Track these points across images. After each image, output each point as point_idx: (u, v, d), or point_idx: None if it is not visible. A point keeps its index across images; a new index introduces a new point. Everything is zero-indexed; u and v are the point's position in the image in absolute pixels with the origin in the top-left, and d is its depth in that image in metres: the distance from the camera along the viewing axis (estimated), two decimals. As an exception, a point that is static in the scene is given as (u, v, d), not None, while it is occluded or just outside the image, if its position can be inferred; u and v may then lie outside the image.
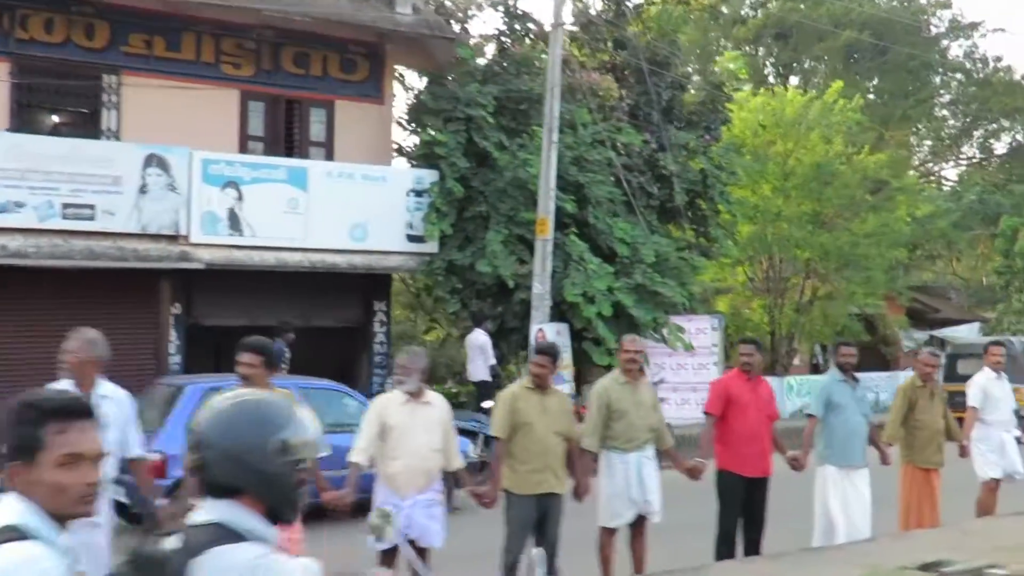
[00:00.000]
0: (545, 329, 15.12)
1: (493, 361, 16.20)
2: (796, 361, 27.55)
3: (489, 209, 16.50)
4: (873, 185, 23.71)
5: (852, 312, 23.85)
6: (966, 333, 29.58)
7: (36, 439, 2.12)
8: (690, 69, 25.16)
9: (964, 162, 47.34)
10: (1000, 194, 33.25)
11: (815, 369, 30.85)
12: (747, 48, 47.15)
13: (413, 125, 17.91)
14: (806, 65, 44.98)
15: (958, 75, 39.74)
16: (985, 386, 9.52)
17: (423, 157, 16.99)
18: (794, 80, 44.19)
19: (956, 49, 44.35)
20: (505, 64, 17.82)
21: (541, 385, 6.48)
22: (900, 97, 38.31)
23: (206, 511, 2.18)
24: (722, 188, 18.78)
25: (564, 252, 15.70)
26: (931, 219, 26.02)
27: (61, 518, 2.14)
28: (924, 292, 41.44)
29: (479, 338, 16.39)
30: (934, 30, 41.70)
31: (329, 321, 17.59)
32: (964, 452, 9.13)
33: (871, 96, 40.20)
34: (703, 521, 7.66)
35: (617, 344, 15.76)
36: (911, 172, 40.98)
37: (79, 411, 2.19)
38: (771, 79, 46.15)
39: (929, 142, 45.49)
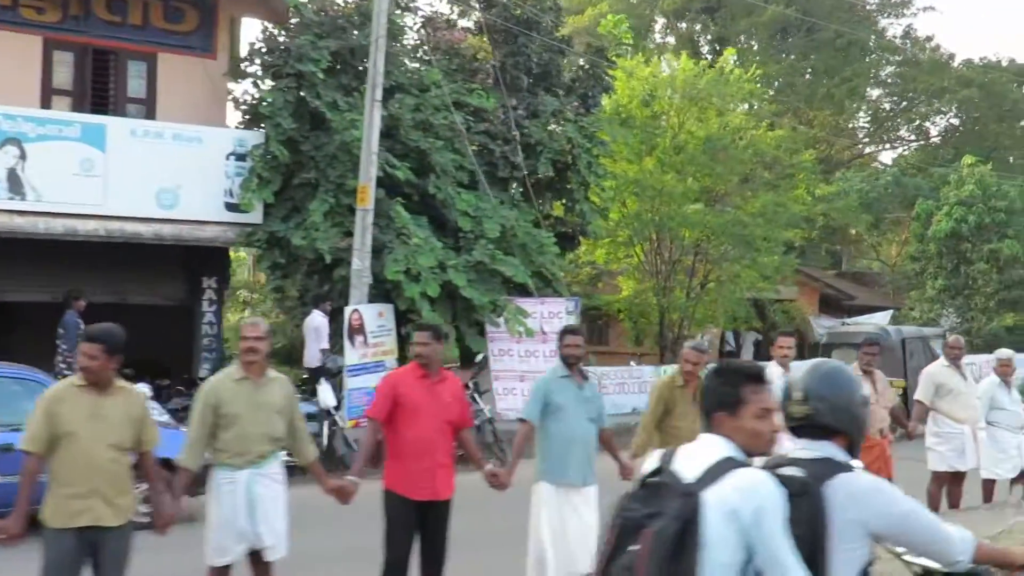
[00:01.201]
0: (362, 310, 13.54)
1: (325, 345, 14.61)
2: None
3: (319, 176, 14.85)
4: (773, 163, 22.31)
5: (749, 297, 22.55)
6: (879, 321, 28.50)
7: (739, 396, 2.89)
8: (575, 35, 23.48)
9: (899, 145, 46.51)
10: (920, 177, 32.03)
11: (727, 355, 29.63)
12: (682, 24, 45.86)
13: (238, 81, 16.16)
14: (741, 44, 43.64)
15: (886, 55, 38.44)
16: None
17: (247, 117, 15.29)
18: (732, 60, 42.92)
19: (895, 29, 43.49)
20: (351, 17, 16.10)
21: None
22: (826, 76, 37.00)
23: (809, 449, 2.95)
24: (590, 160, 17.25)
25: (394, 225, 14.10)
26: (833, 199, 24.69)
27: (750, 455, 2.85)
28: (854, 279, 40.51)
29: (314, 320, 14.81)
30: (868, 8, 40.55)
31: (149, 298, 15.92)
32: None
33: (808, 76, 39.08)
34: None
35: (447, 329, 14.32)
36: (848, 151, 40.07)
37: (764, 377, 2.95)
38: (708, 57, 45.15)
39: (865, 124, 44.49)
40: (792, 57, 37.15)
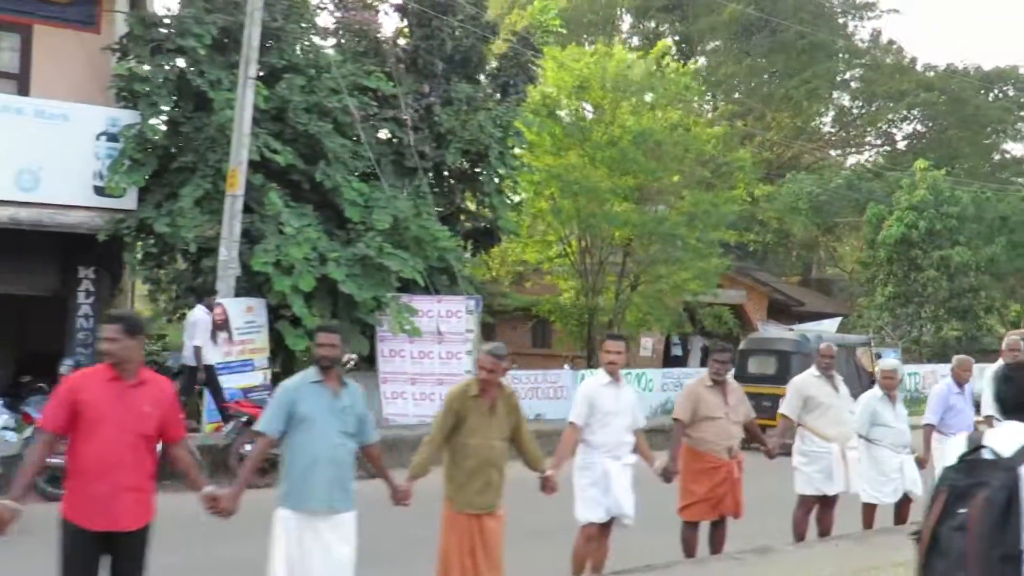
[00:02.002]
0: (228, 304, 12.48)
1: (199, 342, 13.50)
2: (646, 350, 25.29)
3: (197, 160, 13.77)
4: (710, 161, 21.33)
5: (685, 301, 21.60)
6: (827, 328, 27.66)
7: None
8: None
9: (866, 150, 45.76)
10: (877, 181, 31.15)
11: (675, 361, 28.71)
12: (649, 24, 44.95)
13: (120, 57, 15.04)
14: (704, 43, 42.78)
15: (847, 57, 37.58)
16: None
17: (124, 95, 14.19)
18: (703, 60, 42.07)
19: (862, 33, 42.72)
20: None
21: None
22: (787, 78, 36.15)
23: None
24: (502, 150, 16.24)
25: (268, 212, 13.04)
26: (774, 200, 23.74)
27: None
28: (818, 286, 39.70)
29: (194, 315, 13.70)
30: (832, 9, 39.73)
31: (17, 287, 14.78)
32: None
33: (768, 77, 38.19)
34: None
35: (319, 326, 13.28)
36: (811, 155, 39.15)
37: None
38: (677, 58, 44.26)
39: (832, 128, 43.73)
40: (750, 58, 36.19)
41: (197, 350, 13.32)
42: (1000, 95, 42.12)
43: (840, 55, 36.11)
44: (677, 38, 43.35)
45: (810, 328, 26.73)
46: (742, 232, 36.04)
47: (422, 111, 16.77)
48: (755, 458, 7.92)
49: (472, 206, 17.35)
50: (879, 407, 8.19)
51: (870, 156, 44.01)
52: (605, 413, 6.56)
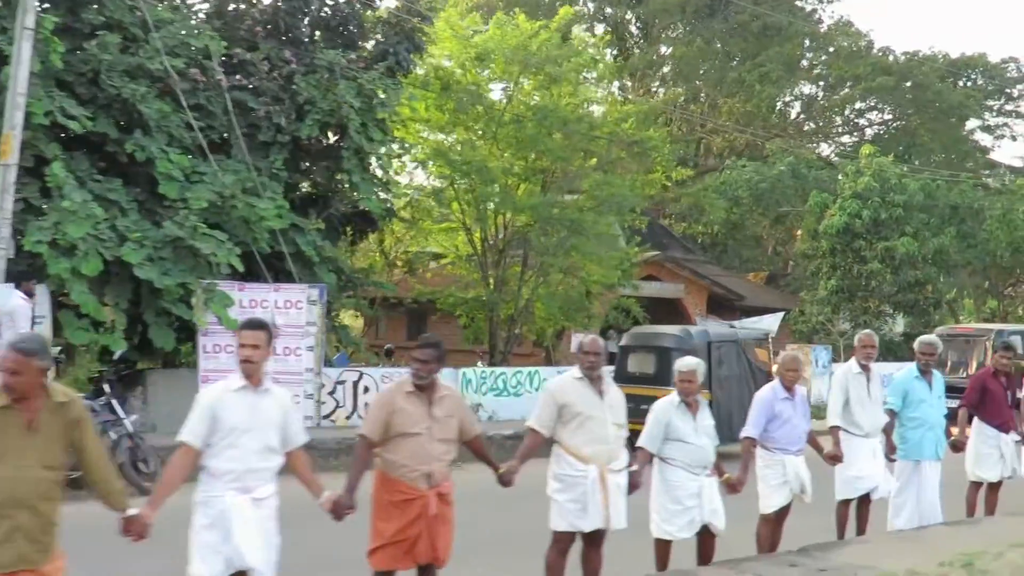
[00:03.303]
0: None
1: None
2: (574, 346, 23.63)
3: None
4: (628, 142, 19.57)
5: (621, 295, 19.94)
6: (770, 323, 26.05)
7: None
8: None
9: (832, 139, 44.21)
10: (826, 169, 29.42)
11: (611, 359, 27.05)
12: (608, 10, 43.22)
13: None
14: (660, 26, 41.08)
15: (803, 40, 35.87)
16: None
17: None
18: (665, 49, 40.45)
19: (828, 19, 41.13)
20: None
21: None
22: (741, 61, 34.50)
23: None
24: (363, 122, 14.54)
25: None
26: (689, 184, 22.04)
27: None
28: (772, 279, 38.05)
29: (9, 302, 11.98)
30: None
31: None
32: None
33: (728, 60, 36.53)
34: None
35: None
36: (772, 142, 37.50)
37: None
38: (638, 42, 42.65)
39: (797, 115, 42.21)
40: (701, 39, 34.49)
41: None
42: (968, 83, 40.62)
43: (795, 39, 34.36)
44: (640, 25, 41.76)
45: (747, 324, 25.19)
46: (691, 224, 34.57)
47: (283, 80, 15.09)
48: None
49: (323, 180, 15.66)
50: (675, 418, 6.54)
51: (837, 148, 42.47)
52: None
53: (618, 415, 6.23)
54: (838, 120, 44.09)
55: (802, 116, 43.49)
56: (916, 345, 8.22)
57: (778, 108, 41.57)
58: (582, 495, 5.95)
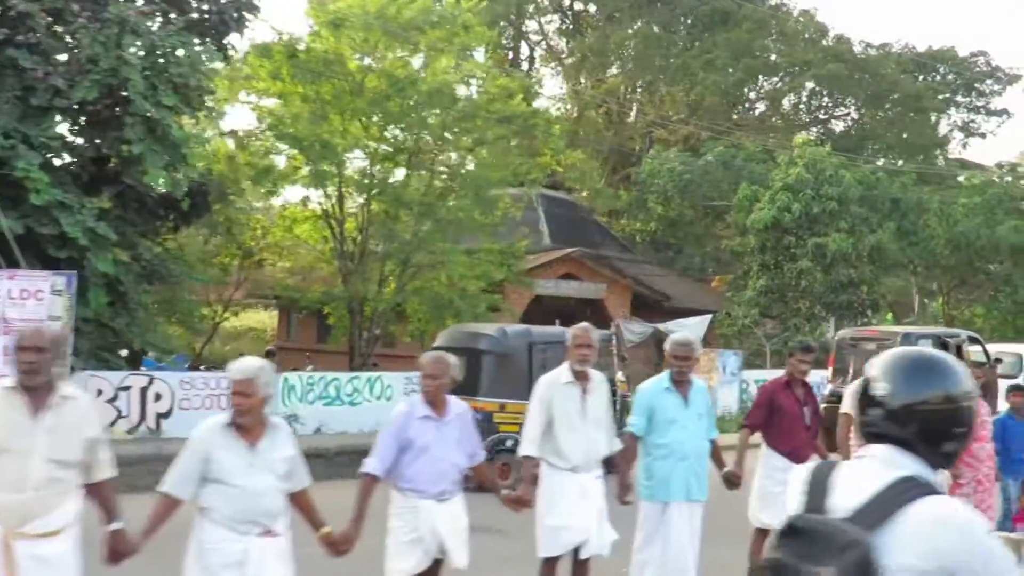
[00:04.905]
0: None
1: None
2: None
3: None
4: (513, 119, 17.37)
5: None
6: (695, 327, 23.98)
7: None
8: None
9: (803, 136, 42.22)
10: (766, 162, 27.22)
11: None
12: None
13: None
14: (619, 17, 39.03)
15: (752, 24, 33.72)
16: None
17: None
18: (608, 34, 38.41)
19: (794, 11, 39.12)
20: None
21: None
22: (687, 49, 32.39)
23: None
24: (154, 83, 12.43)
25: None
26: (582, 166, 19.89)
27: None
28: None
29: None
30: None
31: None
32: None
33: (672, 46, 34.46)
34: None
35: None
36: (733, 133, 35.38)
37: None
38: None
39: (764, 109, 40.24)
40: (644, 23, 32.38)
41: None
42: (935, 77, 38.65)
43: (744, 24, 32.21)
44: (593, 8, 39.68)
45: (669, 326, 23.10)
46: (630, 220, 32.39)
47: (71, 38, 13.01)
48: None
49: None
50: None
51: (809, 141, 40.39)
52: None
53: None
54: (804, 117, 42.12)
55: (767, 111, 41.56)
56: (667, 346, 6.06)
57: (744, 103, 39.75)
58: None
